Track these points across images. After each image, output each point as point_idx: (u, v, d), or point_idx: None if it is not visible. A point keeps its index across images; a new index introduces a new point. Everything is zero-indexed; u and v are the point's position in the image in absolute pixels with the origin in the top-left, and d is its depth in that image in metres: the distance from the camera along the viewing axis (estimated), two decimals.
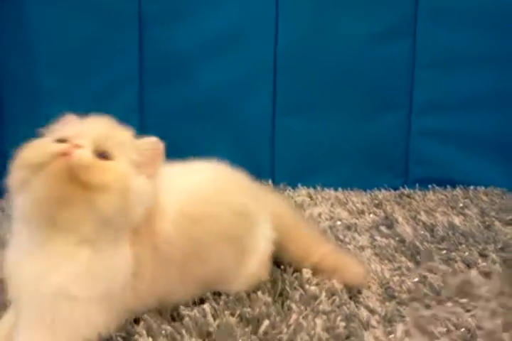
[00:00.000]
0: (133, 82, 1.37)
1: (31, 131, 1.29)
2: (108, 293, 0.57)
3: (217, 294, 0.71)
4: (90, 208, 0.54)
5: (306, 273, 0.76)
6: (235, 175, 0.75)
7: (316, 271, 0.76)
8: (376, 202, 1.20)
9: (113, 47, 1.33)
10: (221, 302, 0.69)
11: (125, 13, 1.33)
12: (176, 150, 1.29)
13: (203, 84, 1.36)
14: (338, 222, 1.05)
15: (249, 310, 0.67)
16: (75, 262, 0.55)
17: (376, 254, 0.88)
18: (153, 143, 0.61)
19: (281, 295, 0.72)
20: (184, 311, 0.67)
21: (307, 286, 0.73)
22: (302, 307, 0.68)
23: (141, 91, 1.38)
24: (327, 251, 0.79)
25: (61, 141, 0.56)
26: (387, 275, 0.80)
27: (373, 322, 0.67)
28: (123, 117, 1.38)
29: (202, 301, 0.70)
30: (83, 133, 0.57)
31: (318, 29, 1.34)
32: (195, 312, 0.67)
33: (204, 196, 0.67)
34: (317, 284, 0.74)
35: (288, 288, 0.72)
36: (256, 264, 0.71)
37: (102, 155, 0.56)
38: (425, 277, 0.79)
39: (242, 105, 1.36)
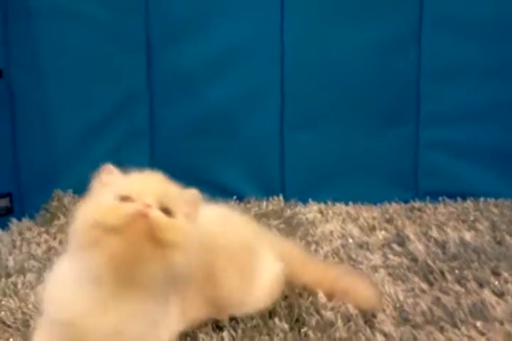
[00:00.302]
0: (143, 101, 1.39)
1: (43, 150, 1.34)
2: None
3: (235, 321, 0.72)
4: (165, 264, 0.59)
5: (321, 297, 0.78)
6: (243, 217, 0.82)
7: (329, 296, 0.78)
8: (387, 216, 1.21)
9: (122, 66, 1.36)
10: (239, 330, 0.70)
11: (133, 32, 1.35)
12: (187, 167, 1.32)
13: (211, 101, 1.38)
14: (350, 240, 1.06)
15: (267, 337, 0.69)
16: (146, 314, 0.61)
17: (389, 274, 0.89)
18: (195, 194, 0.66)
19: (297, 321, 0.73)
20: (204, 339, 0.69)
21: (323, 312, 0.74)
22: (319, 335, 0.69)
23: (151, 109, 1.40)
24: (338, 275, 0.81)
25: (125, 198, 0.59)
26: (401, 297, 0.81)
27: None
28: (134, 135, 1.42)
29: (220, 329, 0.71)
30: (145, 191, 0.60)
31: (324, 42, 1.35)
32: (215, 340, 0.69)
33: (216, 231, 0.72)
34: (332, 309, 0.75)
35: (304, 314, 0.73)
36: (261, 293, 0.75)
37: (166, 211, 0.60)
38: (439, 298, 0.80)
39: (250, 121, 1.38)
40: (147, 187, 0.61)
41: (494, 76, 1.33)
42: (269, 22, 1.35)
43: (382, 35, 1.34)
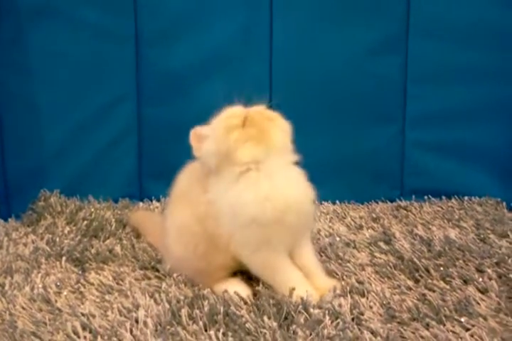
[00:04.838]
0: (131, 100, 1.39)
1: (30, 150, 1.33)
2: None
3: (228, 318, 0.73)
4: None
5: (309, 296, 0.78)
6: None
7: None
8: (374, 215, 1.22)
9: (110, 65, 1.36)
10: (228, 328, 0.71)
11: (122, 32, 1.35)
12: (174, 167, 1.31)
13: (199, 100, 1.38)
14: (338, 238, 1.07)
15: (255, 335, 0.69)
16: None
17: (376, 272, 0.91)
18: None
19: (286, 319, 0.74)
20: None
21: (311, 310, 0.75)
22: (307, 332, 0.70)
23: (139, 108, 1.40)
24: None
25: None
26: (388, 295, 0.82)
27: None
28: (122, 135, 1.41)
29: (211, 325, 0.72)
30: None
31: (312, 43, 1.37)
32: (203, 338, 0.69)
33: None
34: (320, 307, 0.76)
35: (293, 312, 0.74)
36: None
37: None
38: (424, 295, 0.82)
39: None
40: None
41: (479, 78, 1.35)
42: (258, 23, 1.36)
43: (371, 37, 1.36)
